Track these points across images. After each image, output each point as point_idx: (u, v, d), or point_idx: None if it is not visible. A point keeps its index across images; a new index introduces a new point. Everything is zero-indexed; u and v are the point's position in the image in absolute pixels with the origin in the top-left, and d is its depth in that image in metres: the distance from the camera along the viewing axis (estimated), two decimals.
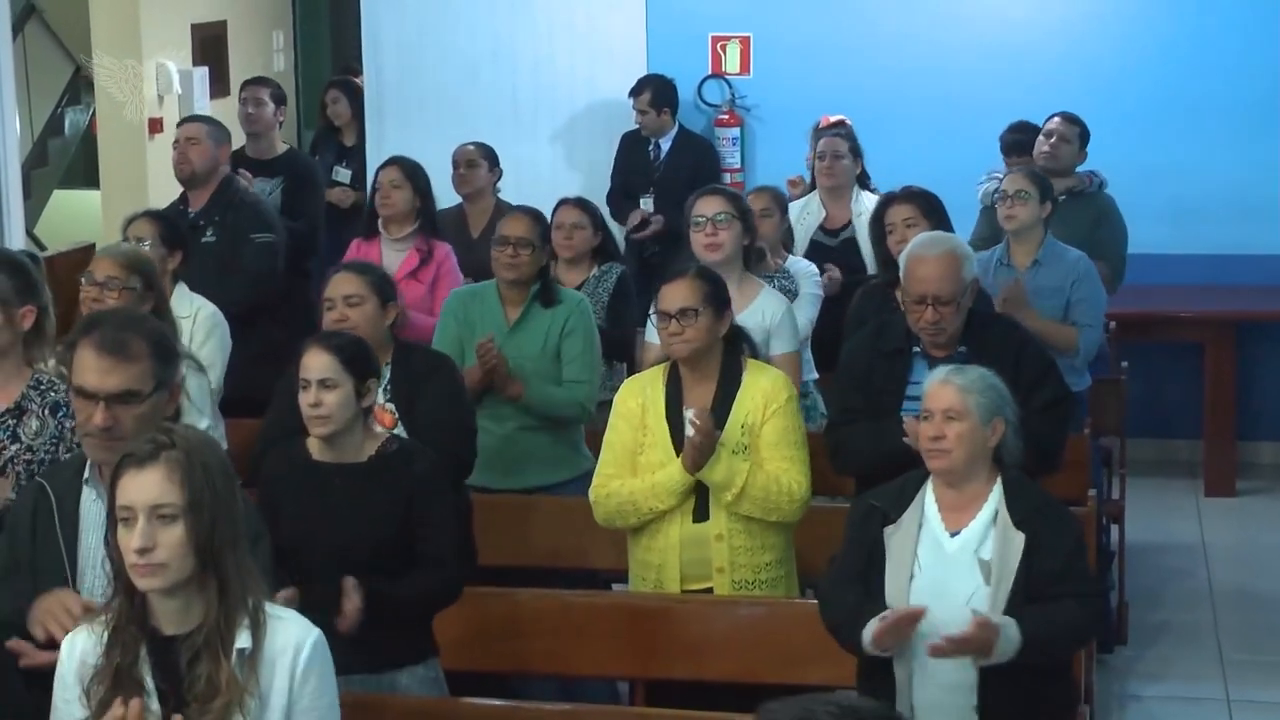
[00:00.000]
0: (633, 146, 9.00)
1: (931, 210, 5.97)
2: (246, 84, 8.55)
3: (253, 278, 6.96)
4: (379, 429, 4.59)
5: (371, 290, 5.11)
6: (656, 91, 8.88)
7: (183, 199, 7.25)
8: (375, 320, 5.09)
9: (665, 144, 8.91)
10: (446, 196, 7.60)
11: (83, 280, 5.30)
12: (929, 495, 4.19)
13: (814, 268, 6.75)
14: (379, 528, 4.27)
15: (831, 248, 7.26)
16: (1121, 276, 7.38)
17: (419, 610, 4.37)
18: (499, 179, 7.82)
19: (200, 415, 5.03)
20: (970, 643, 3.93)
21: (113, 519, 3.10)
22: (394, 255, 6.89)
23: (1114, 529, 6.96)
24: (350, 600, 4.14)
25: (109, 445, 3.55)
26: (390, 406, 5.05)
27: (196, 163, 7.13)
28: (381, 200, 6.99)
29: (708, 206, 5.94)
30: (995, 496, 4.15)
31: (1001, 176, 7.57)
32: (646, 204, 8.80)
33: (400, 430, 4.97)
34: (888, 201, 6.13)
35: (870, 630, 4.02)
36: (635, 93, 8.89)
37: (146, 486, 3.06)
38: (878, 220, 6.09)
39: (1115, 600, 6.82)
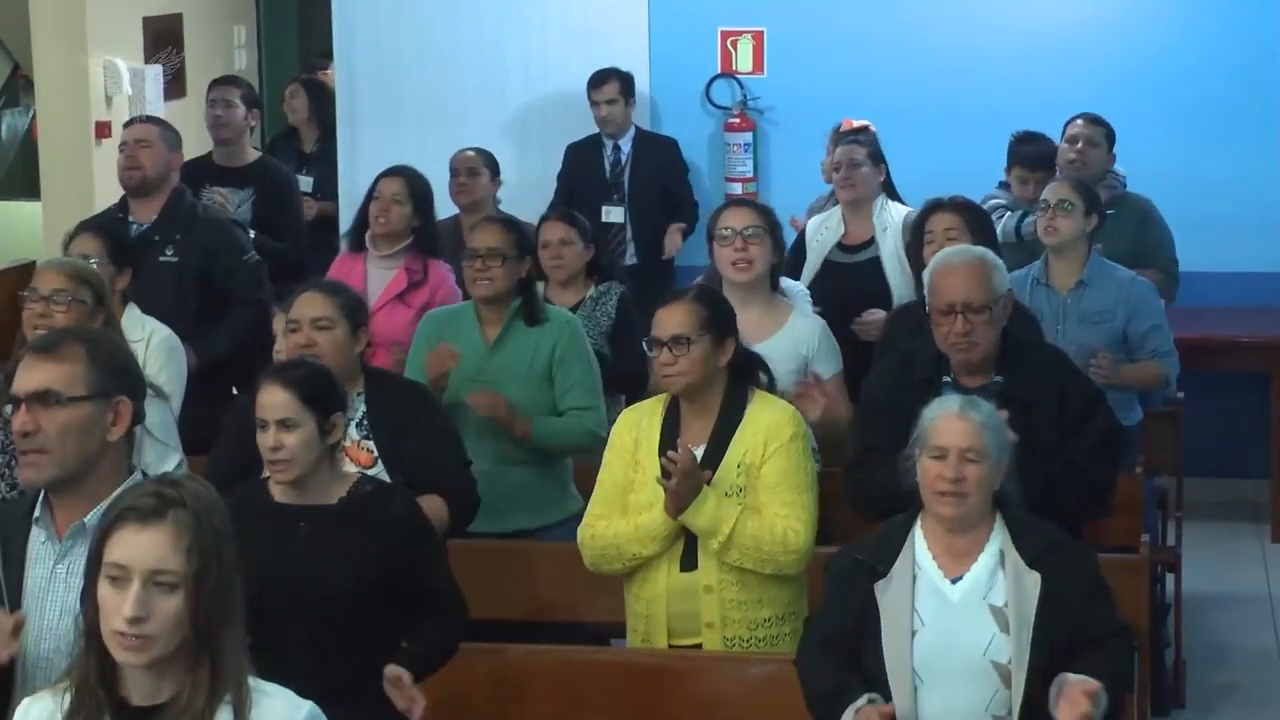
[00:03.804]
0: (584, 154, 8.88)
1: (979, 226, 5.96)
2: (215, 84, 8.53)
3: (254, 305, 6.81)
4: (352, 468, 4.58)
5: (342, 314, 5.11)
6: (624, 81, 8.84)
7: (123, 206, 7.09)
8: (345, 347, 5.09)
9: (625, 145, 8.87)
10: (443, 207, 7.61)
11: (25, 296, 5.18)
12: (919, 541, 4.17)
13: (804, 289, 6.72)
14: (350, 577, 4.26)
15: (847, 266, 7.09)
16: (1177, 281, 7.38)
17: (448, 658, 4.45)
18: (499, 189, 7.84)
19: (166, 449, 4.88)
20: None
21: (94, 572, 3.01)
22: (380, 274, 6.86)
23: (1170, 579, 6.96)
24: (415, 701, 4.18)
25: (32, 460, 3.55)
26: (368, 444, 5.06)
27: (148, 168, 6.98)
28: (378, 213, 6.89)
29: (737, 219, 5.86)
30: (997, 536, 4.15)
31: (1004, 201, 7.58)
32: (614, 213, 8.73)
33: (380, 469, 4.98)
34: (933, 208, 6.11)
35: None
36: (598, 83, 8.80)
37: (148, 548, 2.96)
38: (918, 228, 6.09)
39: (1171, 659, 6.82)
